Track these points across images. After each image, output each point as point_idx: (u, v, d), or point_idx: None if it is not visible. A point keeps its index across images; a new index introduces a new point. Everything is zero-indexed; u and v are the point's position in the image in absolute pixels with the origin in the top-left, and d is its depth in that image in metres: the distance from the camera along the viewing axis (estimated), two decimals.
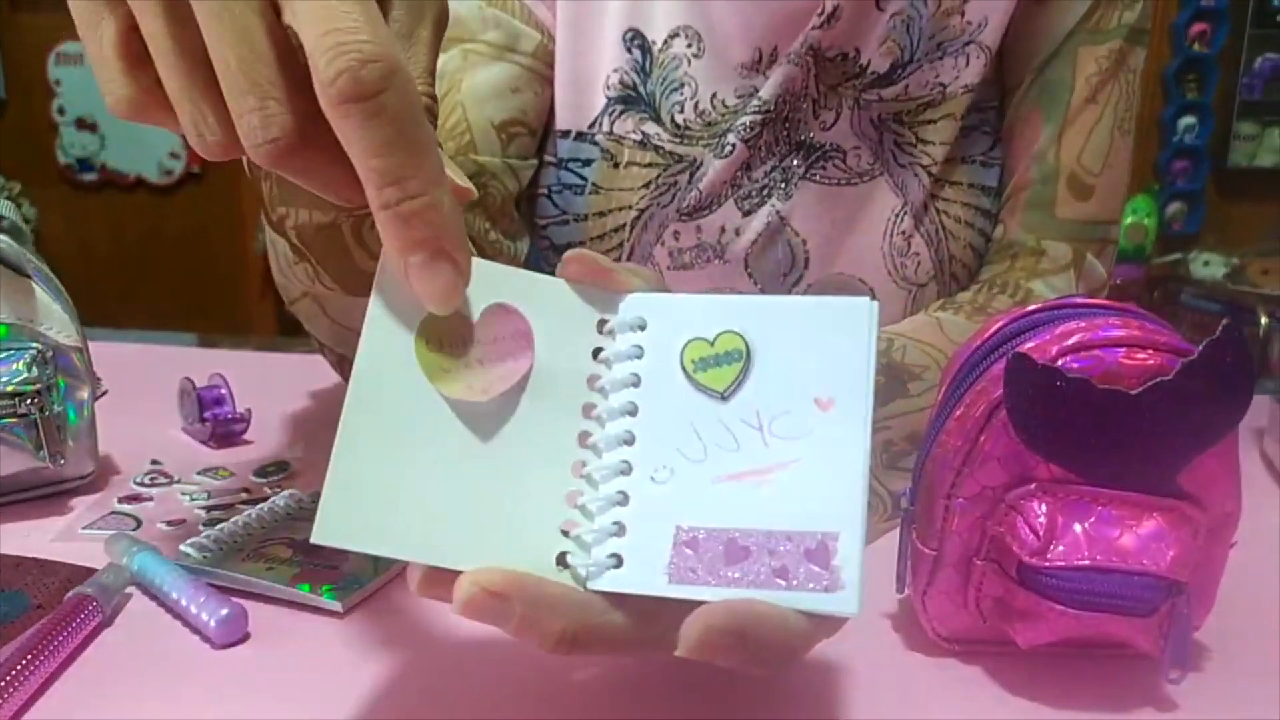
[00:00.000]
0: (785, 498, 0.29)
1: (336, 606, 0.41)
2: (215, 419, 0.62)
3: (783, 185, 0.63)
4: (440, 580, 0.29)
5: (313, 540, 0.28)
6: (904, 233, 0.63)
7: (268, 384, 0.75)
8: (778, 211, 0.63)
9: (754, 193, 0.63)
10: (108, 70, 0.30)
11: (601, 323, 0.33)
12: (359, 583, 0.42)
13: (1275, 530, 0.54)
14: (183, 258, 3.35)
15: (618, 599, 0.30)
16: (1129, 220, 2.77)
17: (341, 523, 0.28)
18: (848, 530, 0.28)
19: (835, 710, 0.36)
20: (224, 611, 0.39)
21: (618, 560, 0.30)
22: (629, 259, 0.65)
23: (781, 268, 0.64)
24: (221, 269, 3.33)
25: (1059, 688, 0.37)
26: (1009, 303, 0.59)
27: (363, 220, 0.49)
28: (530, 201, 0.67)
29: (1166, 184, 3.01)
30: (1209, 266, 2.74)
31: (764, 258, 0.64)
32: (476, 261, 0.32)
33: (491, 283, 0.32)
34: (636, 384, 0.32)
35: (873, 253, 0.64)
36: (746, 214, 0.63)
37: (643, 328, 0.33)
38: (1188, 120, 2.96)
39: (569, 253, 0.33)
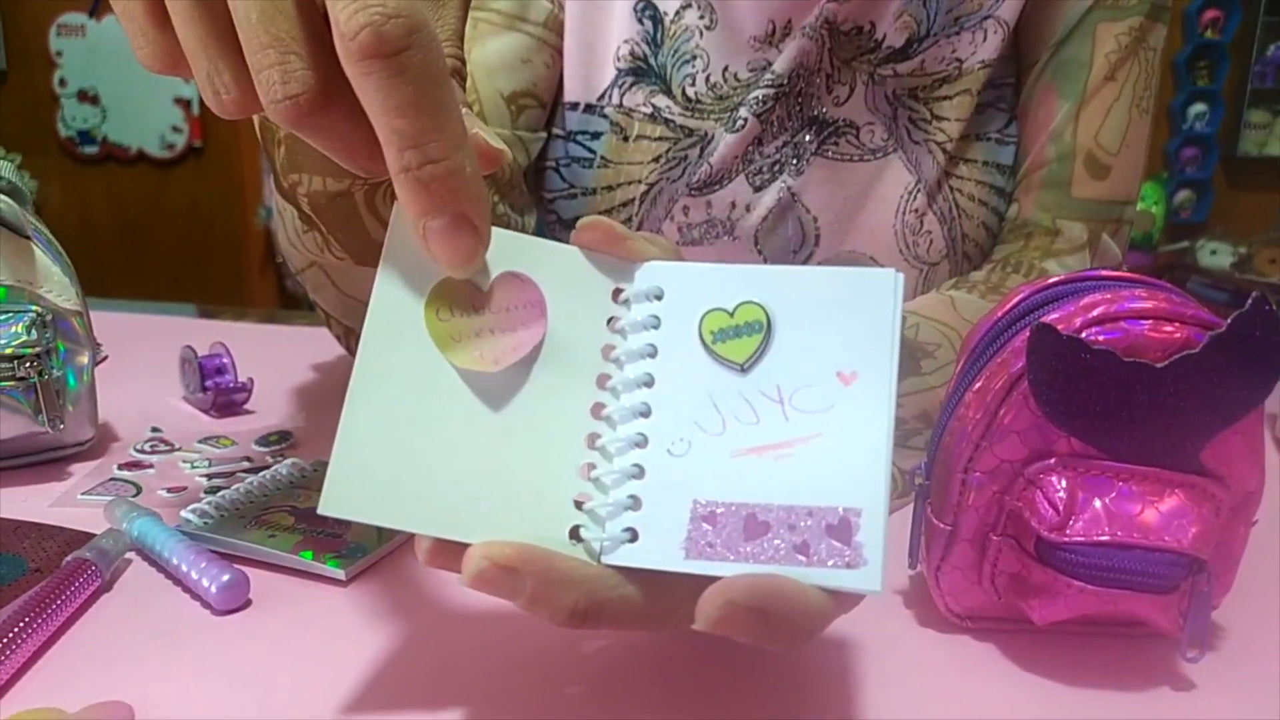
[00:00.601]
0: (806, 472, 0.28)
1: (340, 575, 0.40)
2: (217, 388, 0.61)
3: (794, 161, 0.62)
4: (448, 551, 0.29)
5: (320, 511, 0.27)
6: (917, 210, 0.62)
7: (269, 355, 0.75)
8: (789, 188, 0.62)
9: (765, 168, 0.62)
10: (135, 24, 0.29)
11: (617, 292, 0.32)
12: (363, 551, 0.42)
13: None
14: (183, 232, 3.33)
15: (631, 573, 0.29)
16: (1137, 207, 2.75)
17: (348, 493, 0.28)
18: (870, 506, 0.28)
19: (846, 687, 0.35)
20: (225, 577, 0.38)
21: (633, 534, 0.29)
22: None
23: (792, 244, 0.63)
24: (222, 243, 3.32)
25: (1073, 666, 0.37)
26: (1022, 283, 0.58)
27: (376, 188, 0.48)
28: (538, 175, 0.66)
29: (1175, 172, 2.99)
30: (1216, 255, 2.72)
31: (774, 234, 0.63)
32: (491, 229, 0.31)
33: (504, 251, 0.31)
34: (653, 355, 0.31)
35: (884, 230, 0.63)
36: (757, 190, 0.62)
37: (659, 297, 0.32)
38: (1198, 108, 2.94)
39: (584, 220, 0.33)
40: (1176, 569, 0.33)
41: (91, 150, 3.33)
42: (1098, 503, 0.34)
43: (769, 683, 0.35)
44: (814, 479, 0.28)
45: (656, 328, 0.32)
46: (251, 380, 0.63)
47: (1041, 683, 0.36)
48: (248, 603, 0.39)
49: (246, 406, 0.63)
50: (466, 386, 0.30)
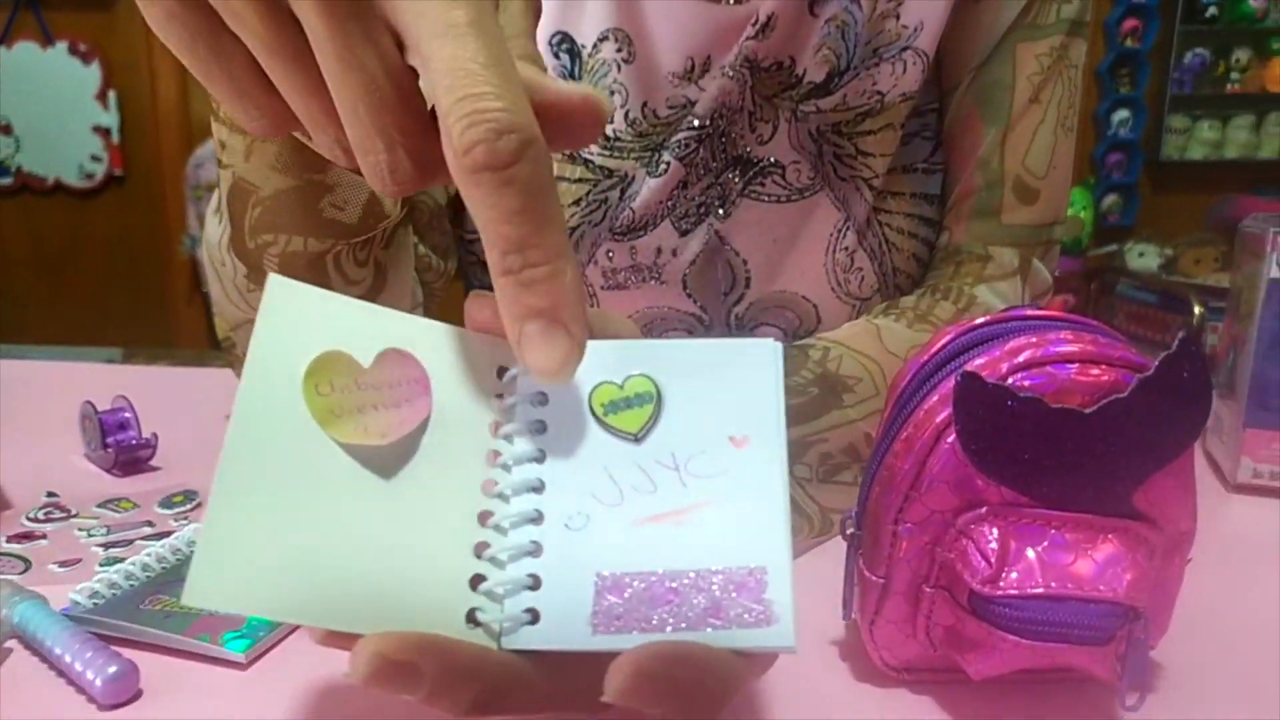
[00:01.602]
0: (708, 536, 0.28)
1: (239, 657, 0.38)
2: (118, 445, 0.58)
3: (720, 203, 0.60)
4: (344, 634, 0.26)
5: (184, 601, 0.25)
6: (847, 248, 0.61)
7: (184, 403, 0.71)
8: (716, 230, 0.60)
9: (691, 211, 0.60)
10: (250, 97, 0.30)
11: (501, 370, 0.31)
12: (266, 628, 0.39)
13: (1223, 532, 0.53)
14: (105, 264, 3.23)
15: (535, 655, 0.27)
16: None
17: (217, 581, 0.25)
18: (775, 562, 0.28)
19: None
20: (111, 669, 0.35)
21: (534, 615, 0.28)
22: None
23: (722, 287, 0.62)
24: (147, 274, 3.22)
25: (1013, 718, 0.35)
26: (951, 309, 0.58)
27: (356, 247, 0.48)
28: (457, 215, 0.64)
29: (1102, 177, 3.06)
30: (1144, 258, 2.79)
31: (703, 277, 0.61)
32: (366, 306, 0.30)
33: (383, 328, 0.30)
34: (543, 430, 0.30)
35: (815, 269, 0.62)
36: (684, 234, 0.60)
37: None
38: (1121, 114, 3.02)
39: (474, 296, 0.32)
40: (1112, 619, 0.32)
41: (5, 181, 3.22)
42: (1030, 553, 0.33)
43: None
44: (717, 541, 0.28)
45: (544, 404, 0.31)
46: (155, 436, 0.60)
47: None
48: (138, 694, 0.36)
49: (152, 463, 0.60)
50: (350, 463, 0.28)
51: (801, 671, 0.38)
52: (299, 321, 0.29)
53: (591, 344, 0.31)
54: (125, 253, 3.21)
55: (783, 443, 0.29)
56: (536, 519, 0.29)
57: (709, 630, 0.27)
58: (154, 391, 0.64)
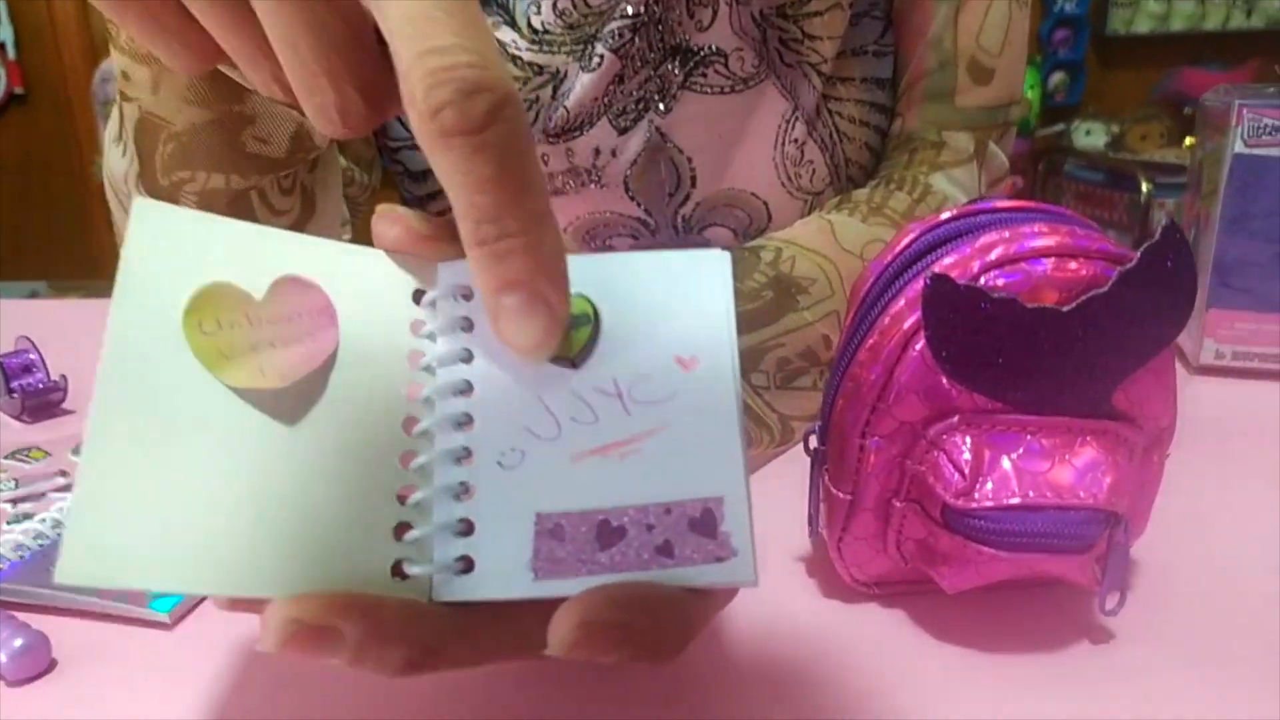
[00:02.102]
0: (657, 468, 0.25)
1: (163, 618, 0.35)
2: (25, 390, 0.53)
3: (660, 97, 0.56)
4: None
5: (57, 579, 0.21)
6: (796, 140, 0.58)
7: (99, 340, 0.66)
8: (657, 127, 0.56)
9: (629, 107, 0.56)
10: (170, 33, 0.27)
11: (419, 294, 0.28)
12: None
13: (1188, 416, 0.52)
14: (16, 189, 3.05)
15: (471, 606, 0.25)
16: None
17: (96, 555, 0.22)
18: (732, 493, 0.25)
19: (746, 669, 0.32)
20: (18, 643, 0.32)
21: (467, 564, 0.25)
22: None
23: (666, 188, 0.58)
24: (62, 198, 3.05)
25: (987, 628, 0.34)
26: (907, 200, 0.55)
27: (281, 178, 0.44)
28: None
29: (1048, 54, 3.02)
30: (1091, 136, 2.77)
31: (646, 178, 0.57)
32: (255, 228, 0.26)
33: (276, 253, 0.26)
34: (468, 359, 0.27)
35: (764, 165, 0.58)
36: (623, 132, 0.56)
37: (469, 296, 0.28)
38: None
39: (381, 210, 0.28)
40: (1093, 525, 0.30)
41: None
42: (1006, 461, 0.31)
43: (670, 674, 0.31)
44: (667, 473, 0.25)
45: (469, 330, 0.27)
46: (65, 378, 0.55)
47: (955, 650, 0.33)
48: (51, 665, 0.33)
49: (64, 406, 0.56)
50: (247, 410, 0.25)
51: (767, 589, 0.36)
52: (175, 250, 0.25)
53: None
54: (37, 177, 3.04)
55: (735, 362, 0.26)
56: (465, 458, 0.26)
57: (661, 570, 0.24)
58: (66, 328, 0.60)
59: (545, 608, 0.23)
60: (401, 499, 0.26)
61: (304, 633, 0.22)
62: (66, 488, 0.45)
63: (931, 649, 0.33)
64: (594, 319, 0.27)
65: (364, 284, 0.27)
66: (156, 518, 0.23)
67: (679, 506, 0.25)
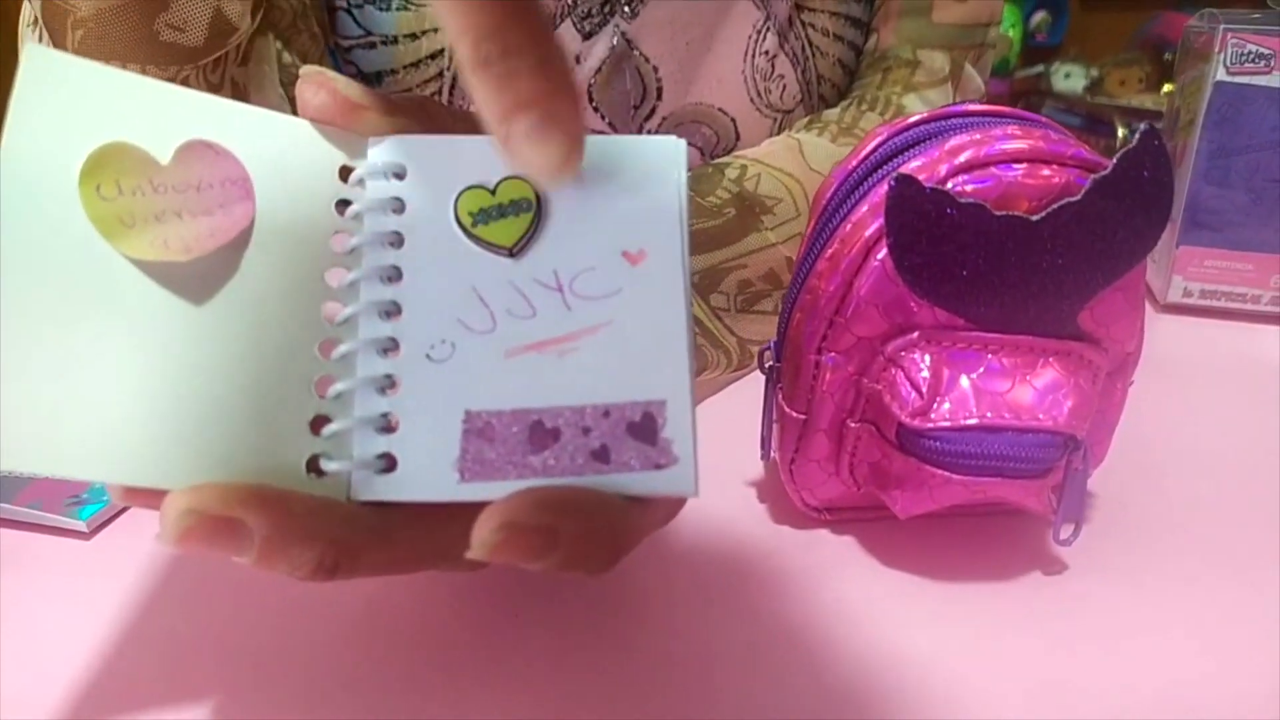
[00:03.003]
0: (596, 367, 0.24)
1: (81, 525, 0.33)
2: None
3: (626, 2, 0.53)
4: (150, 490, 0.22)
5: None
6: (767, 52, 0.55)
7: None
8: (623, 33, 0.53)
9: (594, 11, 0.53)
10: None
11: (346, 170, 0.26)
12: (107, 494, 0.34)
13: (1154, 354, 0.51)
14: None
15: (391, 508, 0.23)
16: None
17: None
18: (675, 397, 0.24)
19: (689, 592, 0.31)
20: None
21: (389, 462, 0.24)
22: (451, 92, 0.55)
23: (631, 99, 0.55)
24: None
25: (938, 556, 0.33)
26: (878, 121, 0.53)
27: (206, 69, 0.41)
28: (330, 17, 0.55)
29: None
30: (1070, 79, 2.74)
31: (610, 88, 0.55)
32: (160, 85, 0.24)
33: (186, 114, 0.24)
34: (397, 243, 0.25)
35: (733, 77, 0.55)
36: (587, 37, 0.53)
37: (400, 175, 0.26)
38: None
39: (304, 70, 0.26)
40: (1051, 449, 0.29)
41: None
42: (964, 381, 0.30)
43: (591, 598, 0.30)
44: (607, 373, 0.24)
45: (400, 211, 0.25)
46: None
47: (905, 578, 0.32)
48: None
49: None
50: (149, 285, 0.23)
51: (716, 514, 0.35)
52: (71, 105, 0.22)
53: (454, 140, 0.26)
54: None
55: (685, 258, 0.25)
56: (390, 348, 0.24)
57: (596, 476, 0.23)
58: None
59: (470, 516, 0.22)
60: (320, 391, 0.24)
61: (205, 524, 0.21)
62: None
63: (881, 575, 0.32)
64: (536, 205, 0.25)
65: (285, 156, 0.25)
66: (55, 399, 0.21)
67: (618, 409, 0.24)
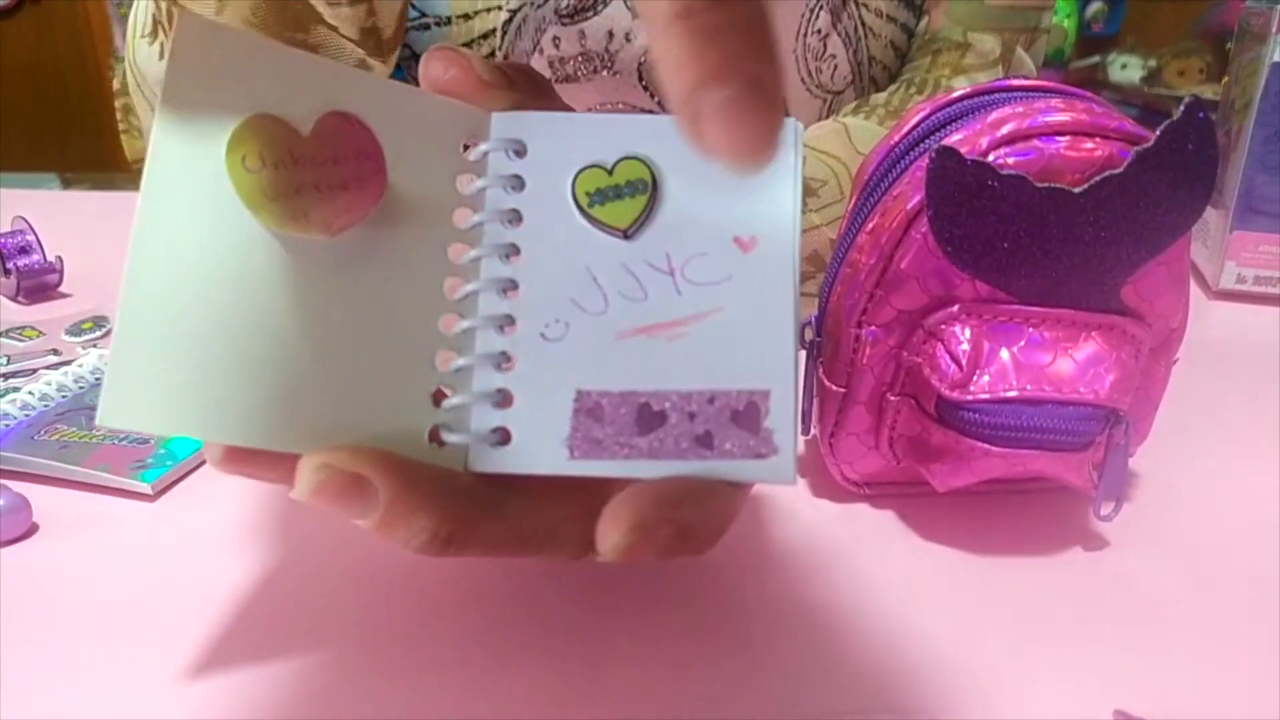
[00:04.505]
0: (705, 353, 0.24)
1: (145, 488, 0.34)
2: (20, 270, 0.53)
3: None
4: (252, 455, 0.23)
5: (98, 422, 0.21)
6: (819, 31, 0.55)
7: (95, 228, 0.65)
8: None
9: None
10: None
11: (468, 145, 0.26)
12: (174, 458, 0.36)
13: (1204, 339, 0.50)
14: (30, 91, 3.01)
15: (504, 486, 0.24)
16: None
17: (133, 399, 0.21)
18: (779, 387, 0.24)
19: (731, 568, 0.31)
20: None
21: (503, 435, 0.24)
22: None
23: None
24: (76, 101, 3.01)
25: (978, 530, 0.33)
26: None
27: None
28: None
29: None
30: (1126, 70, 2.68)
31: None
32: (301, 54, 0.24)
33: (325, 85, 0.24)
34: (516, 221, 0.26)
35: (784, 57, 0.56)
36: (638, 15, 0.54)
37: (521, 153, 0.26)
38: None
39: (432, 48, 0.26)
40: (1092, 423, 0.29)
41: None
42: (1005, 353, 0.30)
43: (649, 570, 0.31)
44: (713, 360, 0.24)
45: (519, 189, 0.26)
46: (60, 259, 0.55)
47: (945, 552, 0.33)
48: (33, 529, 0.33)
49: (61, 289, 0.55)
50: (286, 258, 0.23)
51: (756, 489, 0.36)
52: (221, 75, 0.23)
53: (577, 117, 0.26)
54: (51, 78, 3.00)
55: (797, 246, 0.25)
56: (508, 325, 0.25)
57: (699, 461, 0.24)
58: (66, 214, 0.59)
59: (573, 503, 0.23)
60: (440, 365, 0.25)
61: (336, 478, 0.22)
62: (59, 365, 0.45)
63: (920, 550, 0.33)
64: (652, 186, 0.25)
65: (412, 128, 0.25)
66: (194, 364, 0.22)
67: (723, 396, 0.24)
